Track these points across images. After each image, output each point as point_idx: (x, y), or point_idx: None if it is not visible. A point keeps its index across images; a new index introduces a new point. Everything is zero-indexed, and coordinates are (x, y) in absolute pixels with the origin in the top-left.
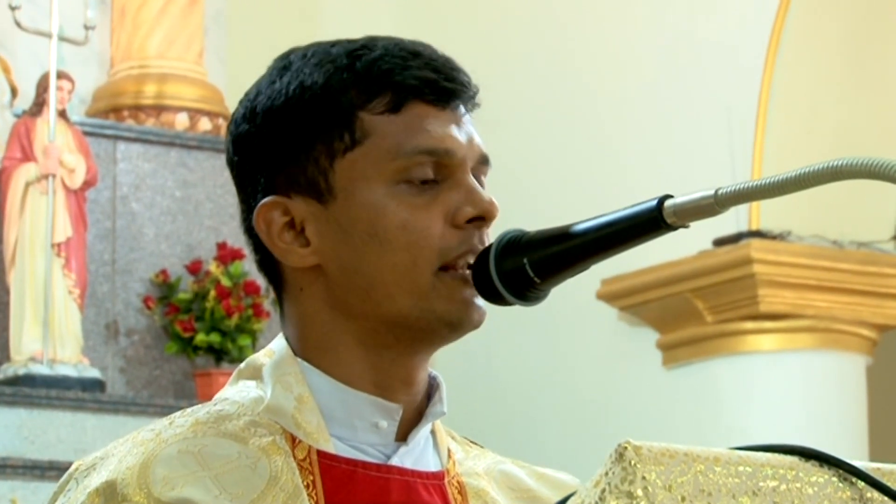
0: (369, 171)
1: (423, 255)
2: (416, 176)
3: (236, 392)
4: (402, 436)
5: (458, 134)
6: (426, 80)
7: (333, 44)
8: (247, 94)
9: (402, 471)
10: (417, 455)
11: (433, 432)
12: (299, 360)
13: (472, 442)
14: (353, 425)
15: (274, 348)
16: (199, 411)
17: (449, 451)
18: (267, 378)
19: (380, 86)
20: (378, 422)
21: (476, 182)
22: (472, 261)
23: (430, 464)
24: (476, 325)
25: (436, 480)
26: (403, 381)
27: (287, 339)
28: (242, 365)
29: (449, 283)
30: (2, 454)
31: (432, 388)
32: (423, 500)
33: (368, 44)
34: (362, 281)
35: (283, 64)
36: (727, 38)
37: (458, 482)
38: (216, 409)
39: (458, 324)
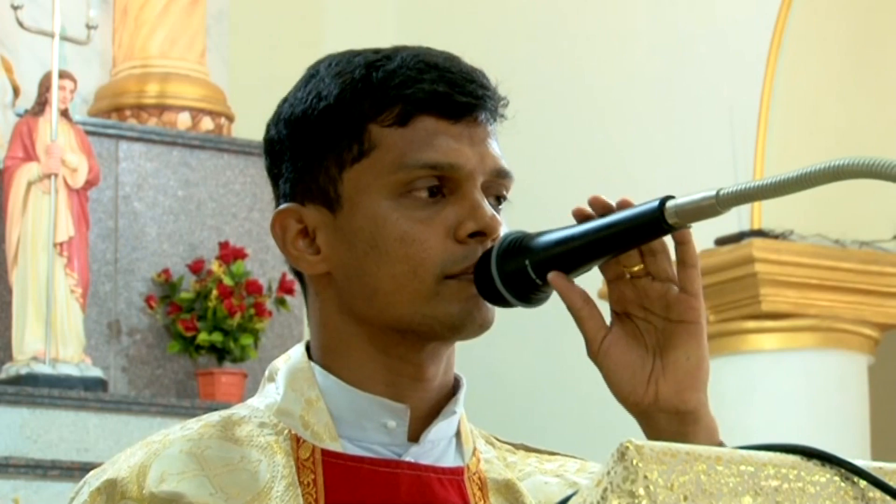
0: (373, 183)
1: (423, 266)
2: (419, 189)
3: (257, 397)
4: (415, 436)
5: (468, 148)
6: (436, 94)
7: (359, 53)
8: (282, 98)
9: (412, 465)
10: (437, 456)
11: (459, 434)
12: (312, 364)
13: (516, 446)
14: (363, 426)
15: (290, 353)
16: (213, 416)
17: (475, 450)
18: (280, 382)
19: (390, 98)
20: (387, 422)
21: (482, 197)
22: None
23: (451, 463)
24: (480, 327)
25: (453, 476)
26: (414, 378)
27: (309, 342)
28: (266, 372)
29: (453, 287)
30: (4, 453)
31: (456, 389)
32: (438, 495)
33: (391, 54)
34: (365, 289)
35: (312, 71)
36: (729, 38)
37: (479, 478)
38: (228, 413)
39: (459, 326)
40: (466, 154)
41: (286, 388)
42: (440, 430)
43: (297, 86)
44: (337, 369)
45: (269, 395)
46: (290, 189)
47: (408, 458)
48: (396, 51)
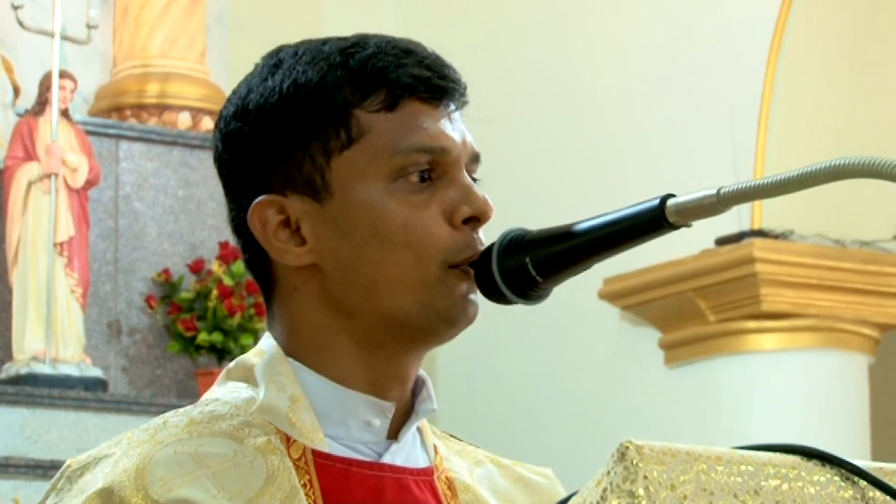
0: (366, 169)
1: (427, 252)
2: (411, 174)
3: (226, 393)
4: (392, 433)
5: (452, 131)
6: (420, 78)
7: (324, 41)
8: (236, 92)
9: (394, 468)
10: (407, 452)
11: (419, 429)
12: (290, 359)
13: (450, 436)
14: (347, 424)
15: (264, 348)
16: (193, 411)
17: (435, 446)
18: (259, 378)
19: (375, 83)
20: (371, 420)
21: (470, 180)
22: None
23: (419, 460)
24: (471, 321)
25: (425, 476)
26: (398, 379)
27: (276, 339)
28: (231, 365)
29: (453, 279)
30: (4, 453)
31: (417, 385)
32: (416, 497)
33: (360, 41)
34: (363, 279)
35: (274, 61)
36: (730, 38)
37: (446, 477)
38: (209, 409)
39: (455, 320)
40: (452, 137)
41: (267, 384)
42: (413, 427)
43: (258, 76)
44: (317, 366)
45: (239, 391)
46: (264, 181)
47: (387, 458)
48: (364, 37)
